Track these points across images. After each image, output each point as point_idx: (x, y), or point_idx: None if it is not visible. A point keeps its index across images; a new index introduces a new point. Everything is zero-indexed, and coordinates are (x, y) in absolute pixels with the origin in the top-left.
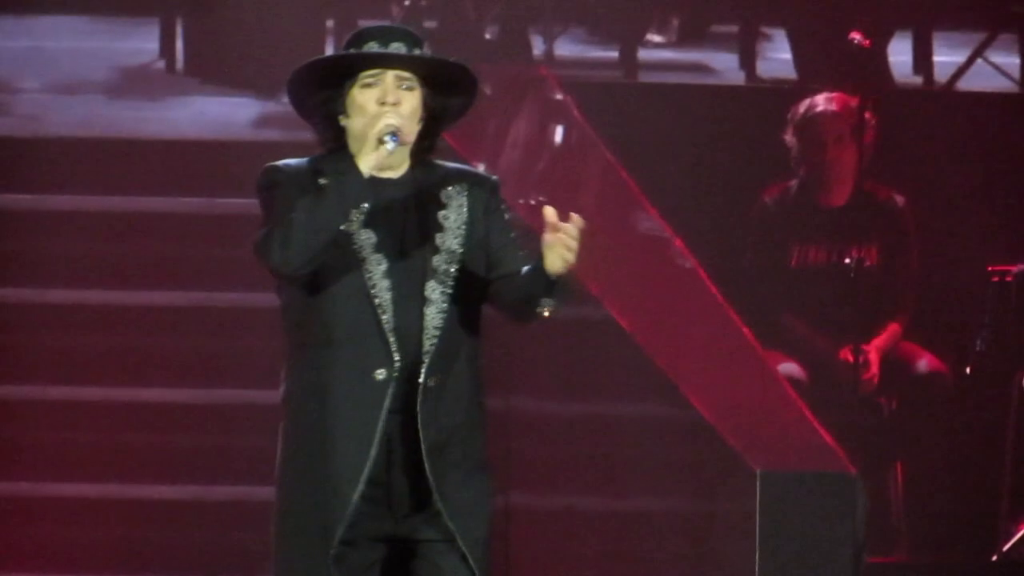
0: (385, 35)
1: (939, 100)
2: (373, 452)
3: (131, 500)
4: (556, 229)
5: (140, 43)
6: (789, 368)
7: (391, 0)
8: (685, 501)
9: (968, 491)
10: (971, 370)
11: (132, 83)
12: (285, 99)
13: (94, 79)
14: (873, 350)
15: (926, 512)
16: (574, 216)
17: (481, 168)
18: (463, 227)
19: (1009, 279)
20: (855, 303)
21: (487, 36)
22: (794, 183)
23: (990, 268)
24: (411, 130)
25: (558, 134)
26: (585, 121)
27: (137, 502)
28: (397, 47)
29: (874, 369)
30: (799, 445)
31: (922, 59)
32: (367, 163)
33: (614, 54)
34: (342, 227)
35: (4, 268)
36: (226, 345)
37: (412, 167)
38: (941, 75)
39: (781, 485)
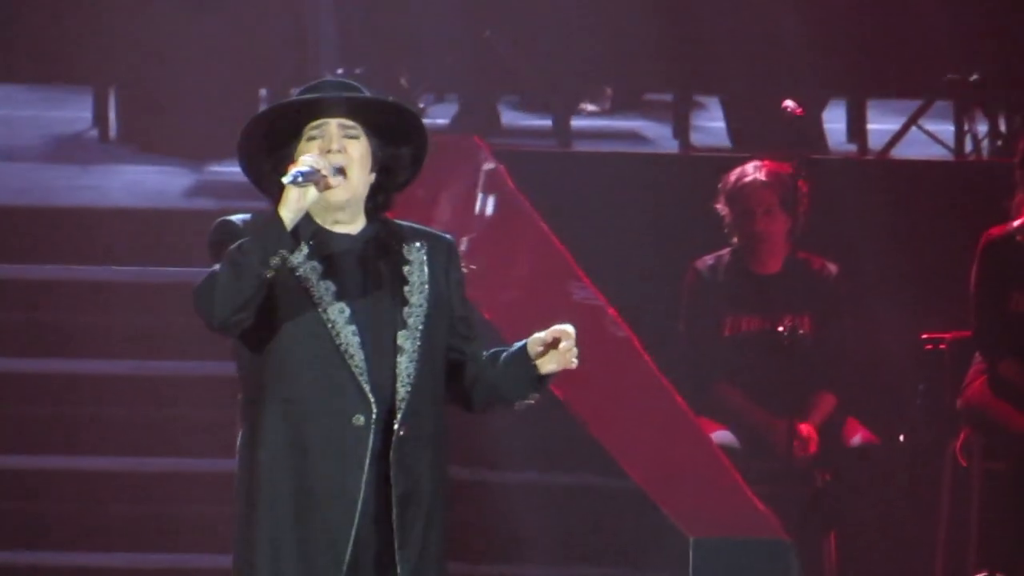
0: (327, 87)
1: (874, 168)
2: (360, 504)
3: (75, 568)
4: (555, 344)
5: (74, 112)
6: (723, 437)
7: (325, 70)
8: (619, 568)
9: (902, 560)
10: (905, 438)
11: (66, 152)
12: (218, 168)
13: (28, 147)
14: (807, 423)
15: None
16: (566, 329)
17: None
18: (426, 284)
19: (942, 347)
20: (789, 372)
21: (421, 105)
22: (727, 252)
23: (923, 336)
24: (359, 177)
25: (491, 202)
26: (519, 189)
27: (82, 570)
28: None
29: (809, 441)
30: (732, 512)
31: (856, 127)
32: (285, 207)
33: (547, 122)
34: (266, 275)
35: None
36: (160, 414)
37: (369, 223)
38: (876, 143)
39: (714, 552)
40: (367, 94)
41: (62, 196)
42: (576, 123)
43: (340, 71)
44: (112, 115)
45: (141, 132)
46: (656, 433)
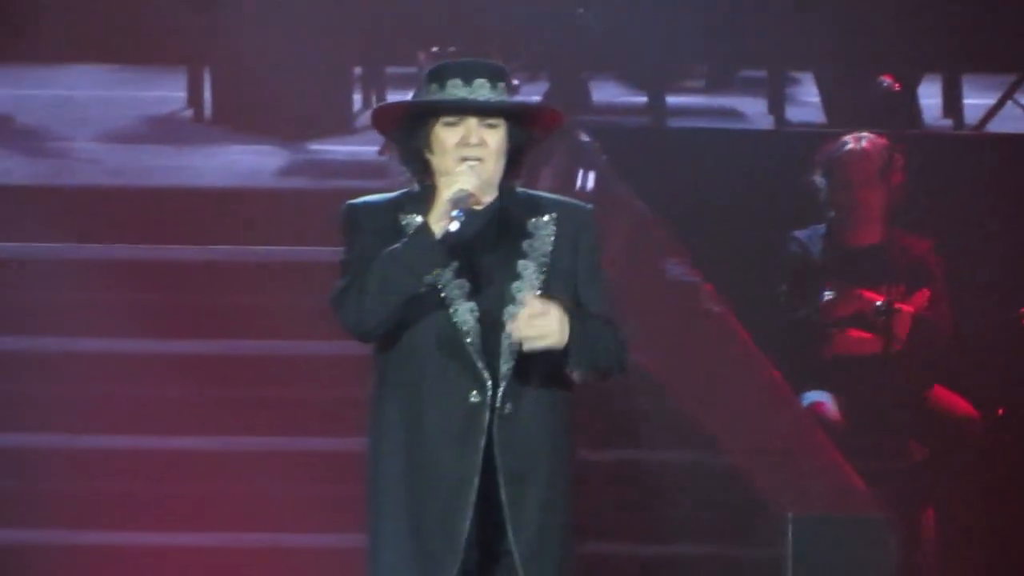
0: (468, 72)
1: (969, 143)
2: (476, 479)
3: (148, 549)
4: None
5: (168, 92)
6: (821, 411)
7: (418, 48)
8: (717, 545)
9: (1001, 536)
10: (1003, 412)
11: (160, 132)
12: (313, 147)
13: (123, 128)
14: (904, 311)
15: (959, 557)
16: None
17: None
18: (546, 256)
19: None
20: (885, 344)
21: (515, 83)
22: (823, 225)
23: (1022, 311)
24: (495, 164)
25: (587, 179)
26: (614, 166)
27: (157, 551)
28: (481, 83)
29: (901, 315)
30: (831, 489)
31: (952, 102)
32: (437, 228)
33: (643, 99)
34: (419, 289)
35: (32, 316)
36: (254, 394)
37: (500, 197)
38: (971, 118)
39: (812, 529)
40: (494, 66)
41: (157, 177)
42: (671, 100)
43: (434, 49)
44: (207, 95)
45: (235, 112)
46: (754, 409)
